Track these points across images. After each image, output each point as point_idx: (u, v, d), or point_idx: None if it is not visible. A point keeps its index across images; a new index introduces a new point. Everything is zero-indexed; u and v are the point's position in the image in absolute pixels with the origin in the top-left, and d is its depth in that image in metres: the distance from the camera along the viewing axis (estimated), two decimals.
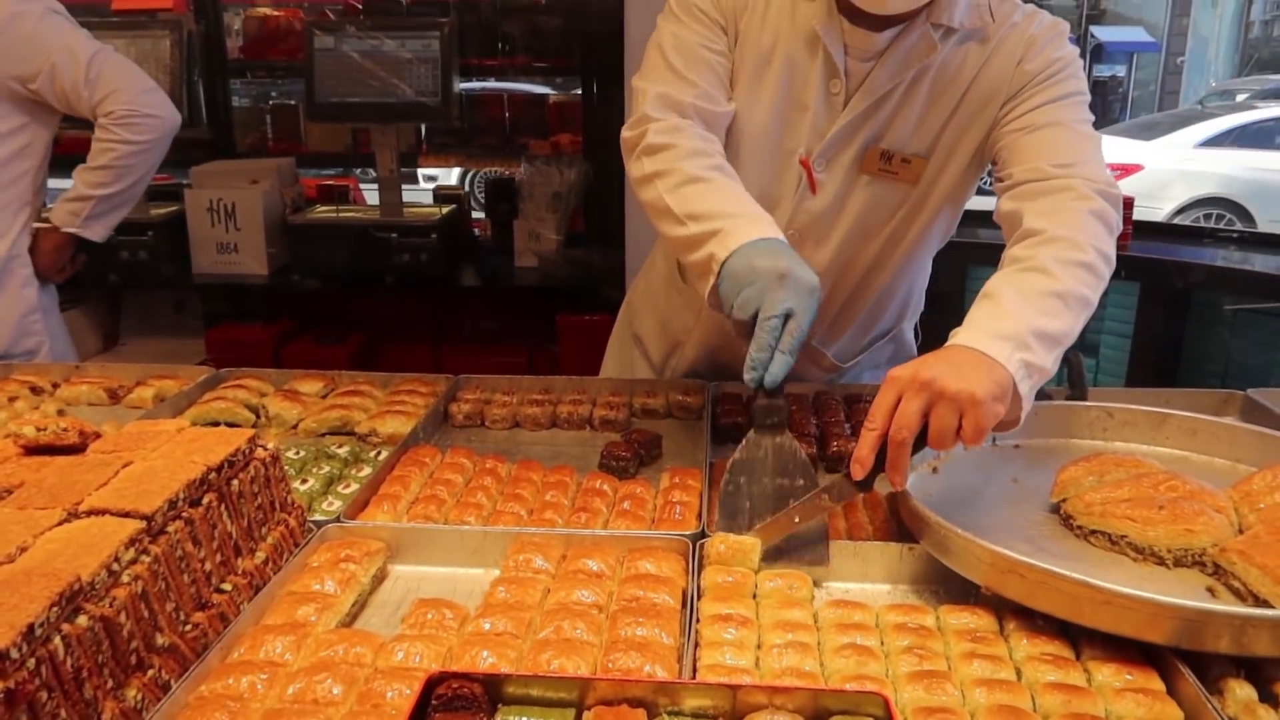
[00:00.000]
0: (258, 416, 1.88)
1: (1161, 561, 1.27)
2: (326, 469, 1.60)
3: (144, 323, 3.96)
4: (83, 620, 0.87)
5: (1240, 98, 16.40)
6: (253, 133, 4.29)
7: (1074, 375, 1.97)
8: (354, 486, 1.55)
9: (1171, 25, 22.63)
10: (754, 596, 1.26)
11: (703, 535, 1.36)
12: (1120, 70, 21.98)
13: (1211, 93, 18.66)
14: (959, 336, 1.33)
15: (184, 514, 1.03)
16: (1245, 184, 10.33)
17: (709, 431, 1.76)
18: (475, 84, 4.50)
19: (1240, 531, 1.30)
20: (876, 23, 1.62)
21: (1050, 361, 1.35)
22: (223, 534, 1.10)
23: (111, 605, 0.90)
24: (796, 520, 1.32)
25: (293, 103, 4.30)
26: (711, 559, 1.31)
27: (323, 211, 3.83)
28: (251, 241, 3.65)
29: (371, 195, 4.91)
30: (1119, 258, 3.96)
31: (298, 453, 1.67)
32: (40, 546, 0.92)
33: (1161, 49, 22.44)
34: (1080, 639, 1.15)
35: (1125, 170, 10.49)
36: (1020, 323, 1.32)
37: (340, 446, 1.69)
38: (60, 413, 1.90)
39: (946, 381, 1.23)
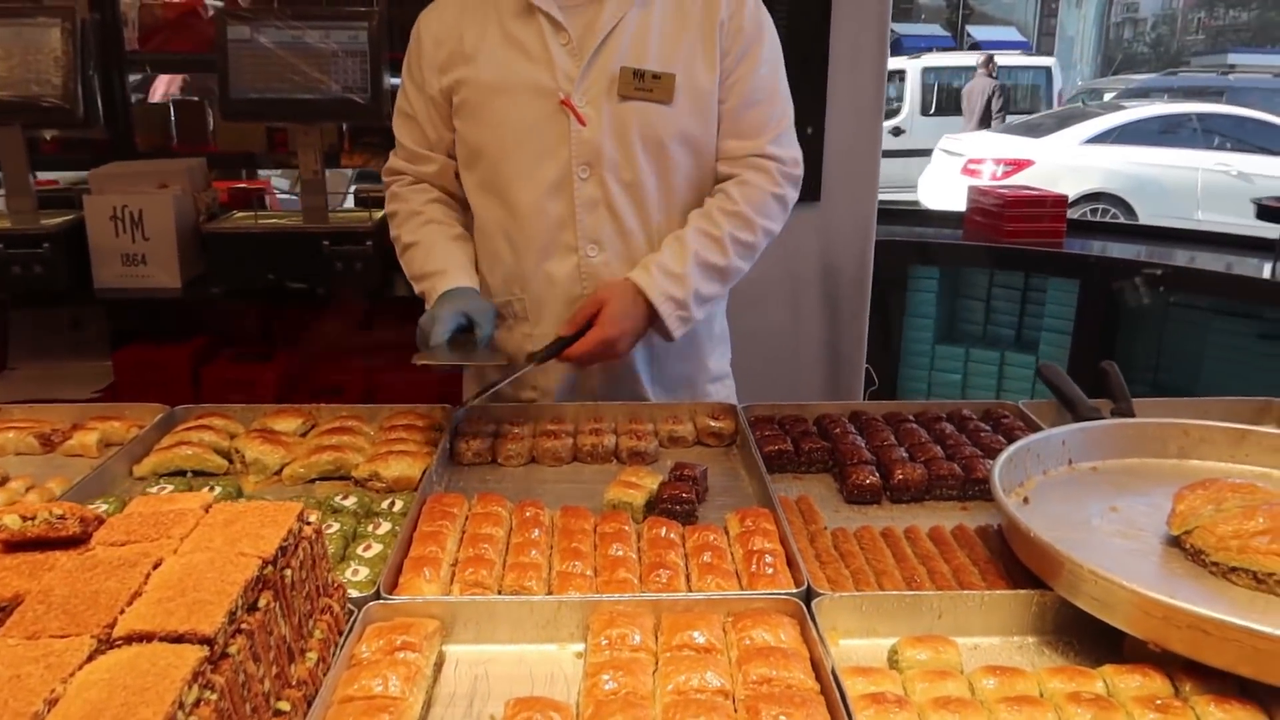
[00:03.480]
0: (230, 462, 1.62)
1: None
2: (337, 527, 1.36)
3: (37, 344, 3.54)
4: None
5: (1107, 97, 17.15)
6: (154, 132, 3.90)
7: (1115, 388, 1.88)
8: (376, 547, 1.32)
9: (1040, 25, 23.61)
10: (891, 664, 1.10)
11: (810, 593, 1.18)
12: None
13: (1079, 92, 19.45)
14: (645, 280, 1.79)
15: (243, 625, 0.80)
16: (1126, 178, 10.79)
17: (761, 462, 1.58)
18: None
19: None
20: None
21: (701, 313, 1.87)
22: (278, 639, 0.87)
23: None
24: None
25: (197, 99, 3.92)
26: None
27: (241, 218, 3.48)
28: (162, 252, 3.28)
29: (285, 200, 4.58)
30: (1057, 254, 4.18)
31: None
32: (76, 695, 0.67)
33: (1032, 48, 23.38)
34: (1267, 699, 1.03)
35: (1017, 165, 10.85)
36: (689, 288, 1.81)
37: (345, 497, 1.45)
38: None
39: (621, 346, 1.76)
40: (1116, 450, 1.57)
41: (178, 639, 0.73)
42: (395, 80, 4.06)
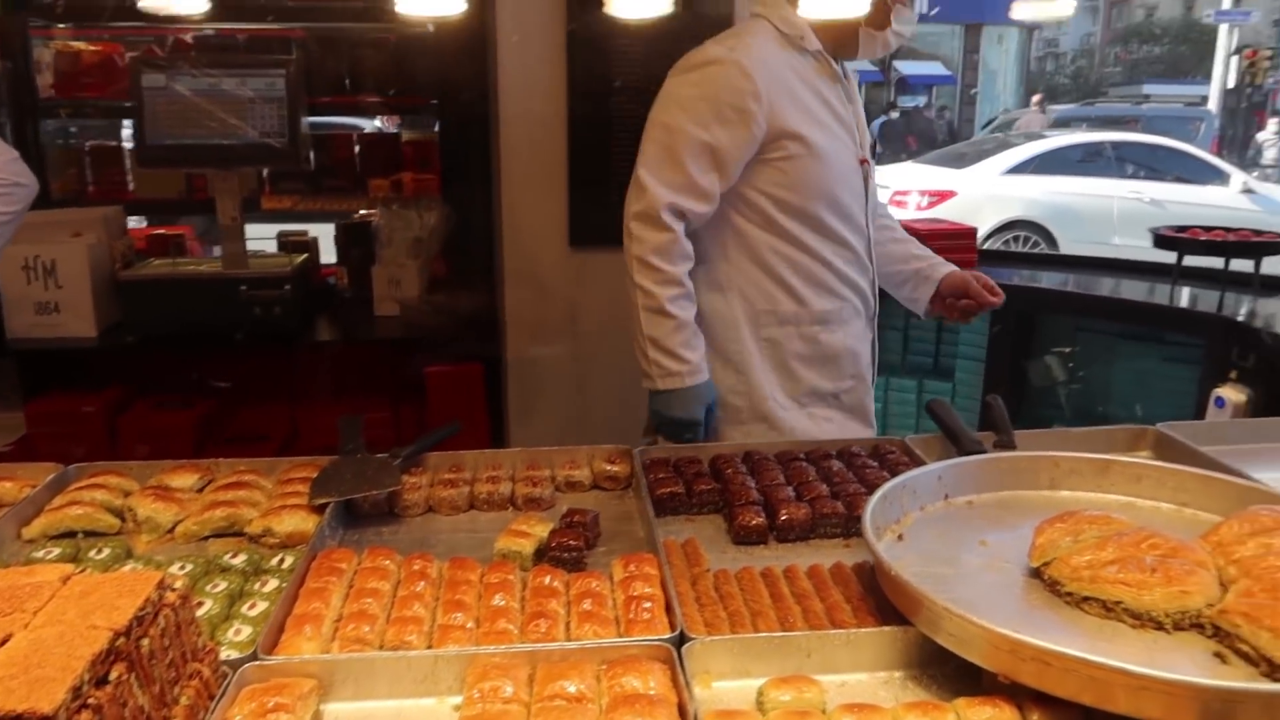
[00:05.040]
0: (123, 521, 1.61)
1: (1160, 626, 1.22)
2: (224, 585, 1.37)
3: None
4: None
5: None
6: (68, 179, 3.86)
7: (997, 420, 1.95)
8: (261, 605, 1.33)
9: (965, 60, 24.53)
10: (759, 706, 1.14)
11: (683, 639, 1.22)
12: (922, 100, 23.72)
13: (1000, 122, 20.02)
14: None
15: (90, 700, 0.81)
16: (1046, 207, 11.13)
17: (650, 506, 1.62)
18: (322, 120, 4.24)
19: (1223, 586, 1.27)
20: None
21: None
22: (134, 711, 0.88)
23: None
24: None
25: (114, 144, 3.90)
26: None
27: (158, 265, 3.46)
28: (76, 300, 3.25)
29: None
30: None
31: (183, 566, 1.42)
32: None
33: (957, 82, 24.27)
34: None
35: (941, 195, 11.13)
36: None
37: (235, 555, 1.46)
38: None
39: None
40: (991, 484, 1.63)
41: (16, 719, 0.74)
42: (314, 119, 4.09)
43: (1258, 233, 4.15)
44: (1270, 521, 1.36)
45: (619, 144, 3.11)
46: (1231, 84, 22.56)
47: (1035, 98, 18.70)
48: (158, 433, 3.33)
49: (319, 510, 1.59)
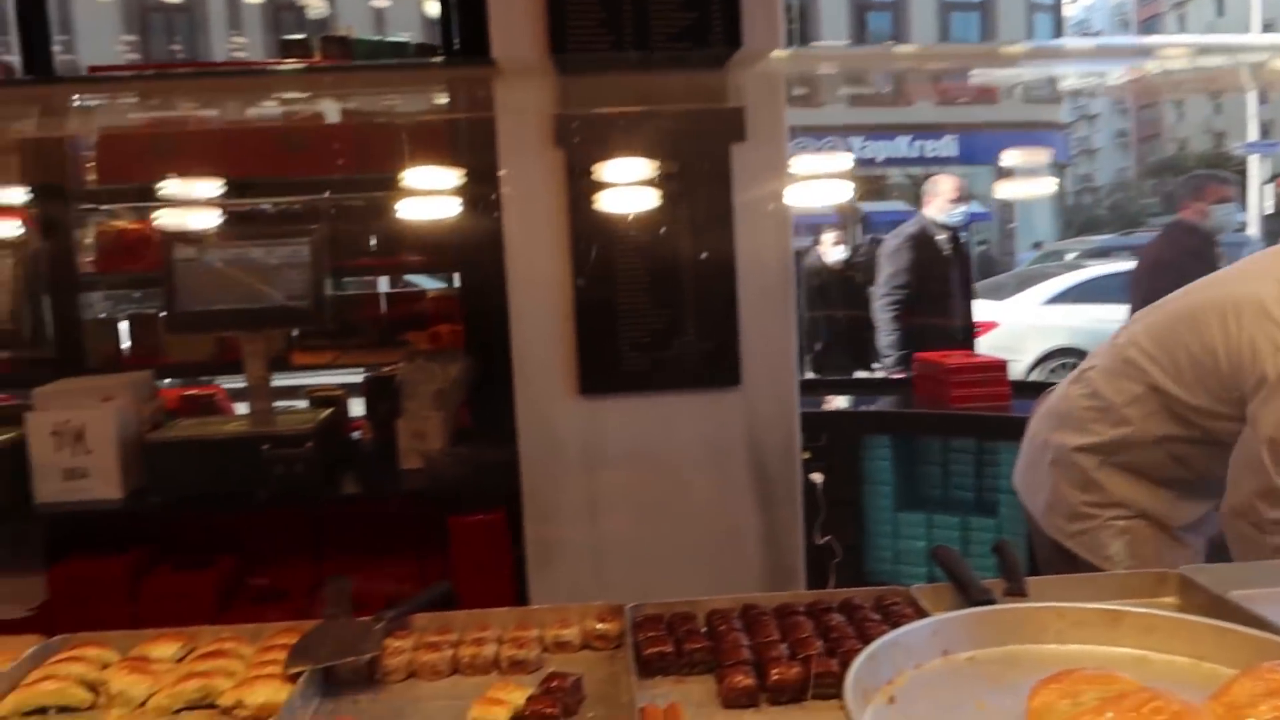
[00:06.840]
0: (97, 695, 1.58)
1: None
2: None
3: None
4: None
5: (1069, 256, 17.81)
6: (107, 346, 4.01)
7: (1009, 567, 1.86)
8: None
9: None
10: None
11: None
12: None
13: (1042, 253, 20.10)
14: None
15: None
16: (1089, 334, 11.05)
17: (634, 666, 1.56)
18: (350, 280, 4.39)
19: None
20: None
21: None
22: None
23: None
24: None
25: (151, 313, 4.06)
26: None
27: (186, 425, 3.54)
28: (103, 464, 3.31)
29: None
30: (1003, 419, 4.39)
31: None
32: None
33: (995, 218, 24.81)
34: None
35: (984, 327, 11.09)
36: None
37: None
38: None
39: None
40: (993, 638, 1.54)
41: None
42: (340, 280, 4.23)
43: None
44: None
45: (624, 295, 3.13)
46: (1270, 209, 22.60)
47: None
48: (179, 594, 3.33)
49: (294, 679, 1.55)
